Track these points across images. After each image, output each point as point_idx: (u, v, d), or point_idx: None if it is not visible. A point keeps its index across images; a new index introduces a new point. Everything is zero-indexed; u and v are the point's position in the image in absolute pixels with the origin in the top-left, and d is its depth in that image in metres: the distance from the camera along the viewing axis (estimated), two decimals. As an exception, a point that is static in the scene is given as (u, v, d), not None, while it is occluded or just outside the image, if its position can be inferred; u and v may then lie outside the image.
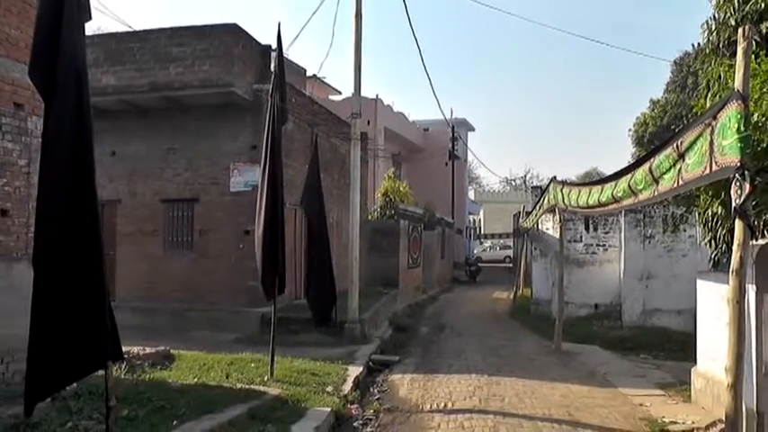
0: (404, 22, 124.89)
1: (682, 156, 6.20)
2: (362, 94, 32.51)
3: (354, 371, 10.75)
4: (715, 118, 5.47)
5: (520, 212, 40.27)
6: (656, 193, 7.05)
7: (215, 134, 15.63)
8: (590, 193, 10.27)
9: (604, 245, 19.26)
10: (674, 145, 6.34)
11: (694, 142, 5.90)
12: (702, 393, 9.21)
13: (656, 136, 33.16)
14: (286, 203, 16.87)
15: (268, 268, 9.53)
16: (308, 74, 27.06)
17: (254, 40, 15.65)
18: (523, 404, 9.20)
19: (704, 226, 10.21)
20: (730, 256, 10.03)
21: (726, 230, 9.52)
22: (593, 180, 10.71)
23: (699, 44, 36.17)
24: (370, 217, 24.71)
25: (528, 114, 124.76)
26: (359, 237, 15.49)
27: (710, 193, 9.94)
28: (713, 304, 9.05)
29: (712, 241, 9.94)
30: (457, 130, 43.04)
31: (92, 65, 15.35)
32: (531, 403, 9.27)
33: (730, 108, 5.19)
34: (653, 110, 36.62)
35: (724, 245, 9.74)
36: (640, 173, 7.41)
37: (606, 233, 19.23)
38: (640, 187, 7.49)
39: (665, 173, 6.69)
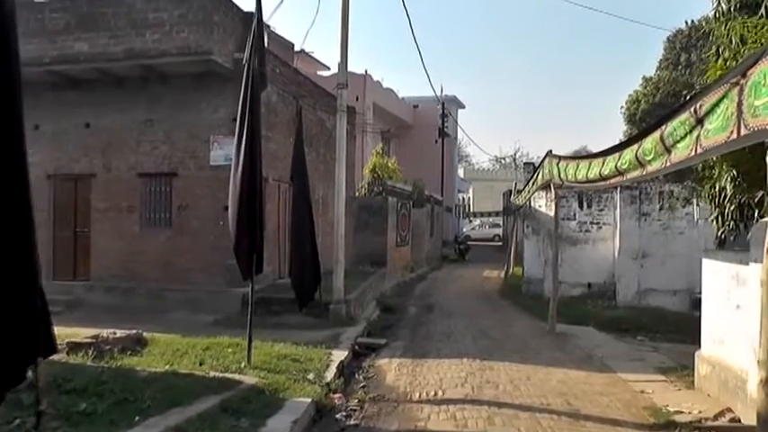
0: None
1: (700, 121, 5.55)
2: (351, 69, 31.85)
3: (339, 355, 10.11)
4: (744, 76, 4.79)
5: (510, 191, 39.77)
6: (667, 163, 6.40)
7: (194, 105, 14.86)
8: (589, 166, 9.63)
9: (598, 222, 18.70)
10: (692, 109, 5.68)
11: (717, 105, 5.24)
12: (707, 380, 8.62)
13: (649, 114, 32.59)
14: (269, 178, 16.36)
15: (244, 246, 8.85)
16: (296, 49, 26.45)
17: (236, 6, 14.83)
18: (519, 392, 8.60)
19: (710, 202, 9.63)
20: (738, 233, 9.60)
21: (735, 206, 8.94)
22: (594, 153, 10.10)
23: (692, 21, 35.87)
24: (357, 194, 24.06)
25: (519, 92, 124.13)
26: (345, 214, 14.80)
27: (718, 166, 9.40)
28: (721, 285, 8.44)
29: (719, 218, 9.36)
30: (447, 107, 42.44)
31: (62, 31, 14.68)
32: (526, 391, 8.66)
33: (765, 63, 4.52)
34: (645, 87, 36.03)
35: (732, 222, 9.17)
36: (649, 142, 6.76)
37: (600, 210, 18.67)
38: (649, 158, 6.84)
39: (678, 141, 6.05)
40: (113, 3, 14.44)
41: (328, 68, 32.56)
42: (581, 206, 18.78)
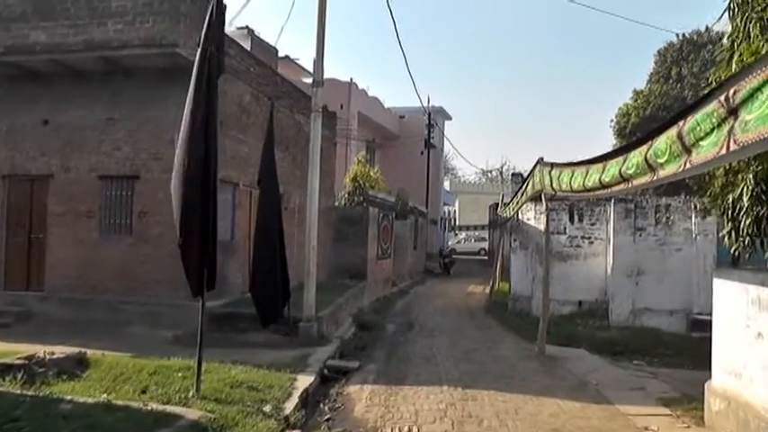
0: (380, 7, 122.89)
1: (734, 111, 4.54)
2: (336, 77, 30.87)
3: (304, 381, 8.98)
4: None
5: (497, 204, 38.85)
6: (687, 165, 5.38)
7: (159, 102, 13.73)
8: (587, 173, 8.60)
9: (590, 237, 17.71)
10: (721, 98, 4.68)
11: (759, 89, 4.24)
12: (722, 417, 7.57)
13: (639, 127, 31.85)
14: (239, 184, 15.29)
15: (193, 258, 7.73)
16: (280, 54, 25.45)
17: (207, -3, 13.78)
18: (506, 429, 7.51)
19: (722, 215, 8.62)
20: (754, 250, 8.59)
21: (752, 220, 7.93)
22: (592, 158, 9.09)
23: (683, 35, 35.21)
24: (337, 203, 22.98)
25: (505, 106, 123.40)
26: (321, 223, 13.79)
27: (730, 175, 8.42)
28: (738, 309, 7.42)
29: (733, 233, 8.34)
30: (434, 118, 41.66)
31: (19, 19, 13.51)
32: (514, 427, 7.58)
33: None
34: (636, 100, 35.39)
35: (747, 237, 8.16)
36: (663, 141, 5.74)
37: (592, 225, 17.68)
38: (662, 160, 5.82)
39: (702, 137, 5.04)
40: (73, -11, 13.36)
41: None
42: (572, 219, 17.79)
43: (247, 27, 22.46)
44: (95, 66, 13.82)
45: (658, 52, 37.44)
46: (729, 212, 8.34)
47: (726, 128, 4.67)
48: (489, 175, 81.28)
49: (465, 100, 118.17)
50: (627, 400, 9.11)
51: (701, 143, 5.09)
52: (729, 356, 7.62)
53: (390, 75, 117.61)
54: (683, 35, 36.51)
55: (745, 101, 4.39)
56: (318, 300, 13.00)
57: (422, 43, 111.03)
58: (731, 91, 4.56)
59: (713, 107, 4.81)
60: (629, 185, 7.11)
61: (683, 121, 5.37)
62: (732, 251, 8.45)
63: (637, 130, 31.53)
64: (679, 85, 35.03)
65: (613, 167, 7.33)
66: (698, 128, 5.06)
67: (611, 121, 36.51)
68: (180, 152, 7.71)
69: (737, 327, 7.41)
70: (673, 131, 5.52)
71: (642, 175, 6.49)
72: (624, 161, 6.95)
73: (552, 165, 11.13)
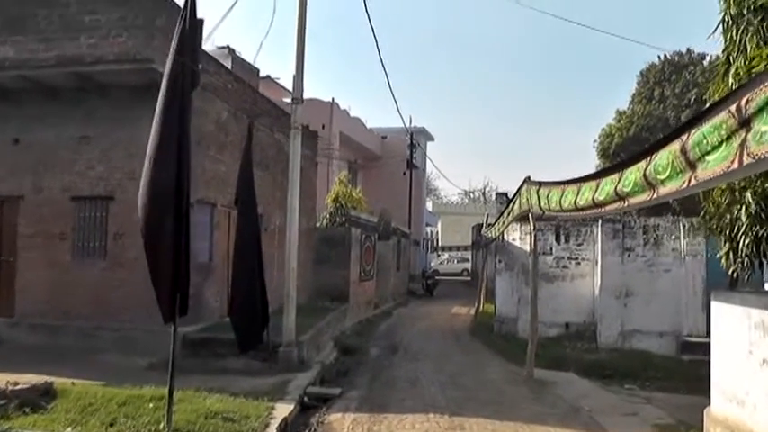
0: (360, 26, 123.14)
1: (746, 122, 4.21)
2: (318, 97, 30.56)
3: (282, 410, 8.52)
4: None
5: (480, 225, 38.60)
6: (692, 181, 5.04)
7: (135, 121, 13.21)
8: (578, 191, 8.27)
9: (577, 258, 17.39)
10: (732, 108, 4.35)
11: (777, 97, 3.91)
12: (723, 446, 7.21)
13: (623, 148, 31.86)
14: (217, 204, 14.83)
15: (166, 283, 7.27)
16: (262, 74, 25.12)
17: (181, 10, 13.38)
18: (497, 461, 7.11)
19: (719, 234, 8.31)
20: (753, 271, 8.28)
21: (751, 240, 7.63)
22: (584, 176, 8.76)
23: (665, 56, 35.30)
24: (318, 224, 22.54)
25: (488, 127, 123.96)
26: (302, 245, 13.35)
27: (727, 194, 8.12)
28: (739, 333, 7.08)
29: (731, 253, 8.04)
30: (416, 139, 41.50)
31: (-14, 34, 13.09)
32: (506, 459, 7.18)
33: None
34: (619, 121, 35.43)
35: (746, 258, 7.85)
36: (665, 157, 5.40)
37: (579, 245, 17.37)
38: (663, 176, 5.48)
39: (709, 152, 4.71)
40: (45, 3, 12.91)
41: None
42: (558, 240, 17.48)
43: (228, 46, 22.15)
44: (68, 82, 13.35)
45: (641, 73, 37.59)
46: (727, 232, 8.05)
47: (737, 140, 4.34)
48: (472, 195, 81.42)
49: (447, 121, 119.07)
50: (621, 428, 8.77)
51: (707, 157, 4.76)
52: (731, 383, 7.28)
53: (372, 96, 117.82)
54: (665, 56, 36.67)
55: (759, 110, 4.06)
56: (299, 323, 12.54)
57: (403, 65, 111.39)
58: (743, 100, 4.23)
59: (722, 118, 4.48)
60: (625, 204, 6.77)
61: (686, 135, 5.05)
62: (730, 272, 8.14)
63: (620, 150, 31.54)
64: (662, 105, 35.11)
65: (608, 185, 6.99)
66: (704, 141, 4.73)
67: (595, 141, 36.51)
68: (148, 170, 7.23)
69: (739, 352, 7.07)
70: (675, 146, 5.19)
71: (640, 192, 6.15)
72: (620, 179, 6.61)
73: (540, 183, 10.82)
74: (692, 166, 5.01)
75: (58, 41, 12.75)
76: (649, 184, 5.82)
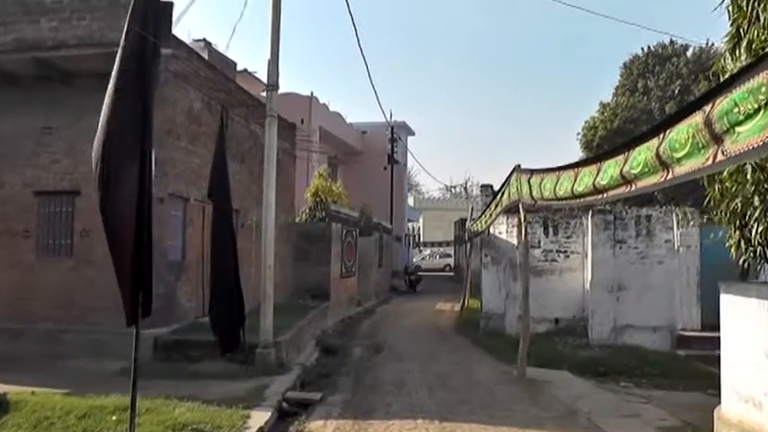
0: (338, 20, 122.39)
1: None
2: (296, 91, 29.81)
3: (259, 419, 7.82)
4: None
5: (463, 219, 38.06)
6: (717, 158, 4.42)
7: (101, 110, 12.49)
8: (576, 177, 7.64)
9: (566, 251, 16.81)
10: (768, 72, 3.73)
11: None
12: (739, 451, 6.61)
13: (607, 140, 31.41)
14: (190, 199, 14.08)
15: (127, 283, 6.54)
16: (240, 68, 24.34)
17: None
18: (495, 473, 6.46)
19: (728, 222, 7.72)
20: (766, 261, 7.68)
21: (765, 227, 7.03)
22: (581, 160, 8.12)
23: (649, 47, 34.92)
24: (298, 219, 21.82)
25: (467, 123, 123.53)
26: (281, 241, 12.68)
27: (736, 176, 7.52)
28: (754, 329, 6.49)
29: (741, 242, 7.45)
30: (397, 133, 40.85)
31: (-60, 17, 12.26)
32: (504, 470, 6.53)
33: None
34: (603, 113, 35.05)
35: (760, 247, 7.26)
36: (682, 132, 4.79)
37: (568, 237, 16.78)
38: (681, 154, 4.86)
39: (742, 122, 4.09)
40: (3, -15, 12.17)
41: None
42: (546, 233, 16.89)
43: (204, 39, 21.40)
44: (28, 69, 12.56)
45: (624, 65, 37.24)
46: (738, 220, 7.46)
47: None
48: (453, 190, 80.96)
49: (427, 117, 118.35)
50: (624, 431, 8.14)
51: (738, 129, 4.19)
52: (746, 382, 6.69)
53: (351, 92, 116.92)
54: (649, 48, 36.33)
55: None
56: (278, 323, 11.87)
57: (381, 61, 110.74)
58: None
59: (762, 80, 3.86)
60: (632, 188, 6.14)
61: (710, 105, 4.43)
62: (741, 263, 7.55)
63: (604, 142, 31.08)
64: (645, 97, 34.78)
65: (611, 168, 6.37)
66: (735, 110, 4.15)
67: (578, 134, 36.10)
68: (99, 156, 6.46)
69: (755, 349, 6.49)
70: (697, 118, 4.58)
71: (651, 174, 5.52)
72: (626, 160, 5.99)
73: (532, 171, 10.20)
74: (717, 139, 4.40)
75: (16, 24, 12.09)
76: (663, 163, 5.20)
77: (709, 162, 4.55)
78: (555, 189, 8.57)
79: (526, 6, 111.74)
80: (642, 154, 5.59)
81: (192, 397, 8.56)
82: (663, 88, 34.48)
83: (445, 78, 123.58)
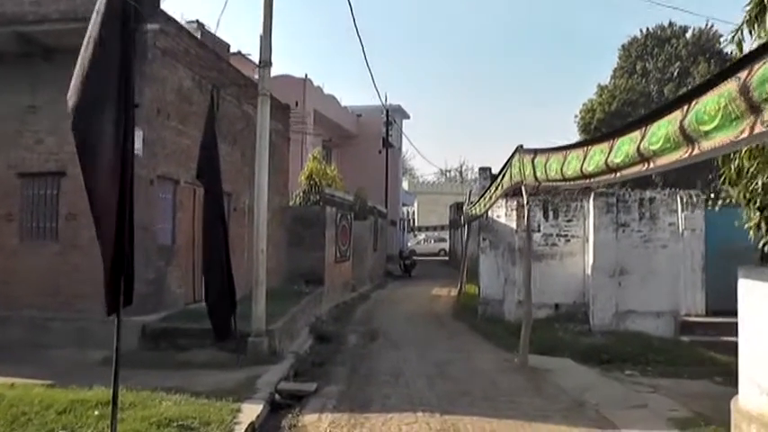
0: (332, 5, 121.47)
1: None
2: (290, 73, 29.27)
3: (250, 413, 7.40)
4: None
5: (457, 203, 37.71)
6: (754, 129, 3.98)
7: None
8: (585, 156, 7.20)
9: (566, 235, 16.38)
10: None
11: None
12: (761, 446, 6.21)
13: (605, 123, 31.02)
14: (180, 181, 13.59)
15: (107, 268, 6.06)
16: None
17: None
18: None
19: (748, 203, 7.29)
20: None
21: (788, 207, 6.61)
22: (590, 138, 7.64)
23: (647, 29, 34.47)
24: (291, 203, 21.35)
25: (464, 106, 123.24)
26: (274, 225, 12.27)
27: (756, 152, 7.09)
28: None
29: (763, 223, 7.03)
30: (392, 116, 40.40)
31: None
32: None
33: None
34: (601, 96, 34.67)
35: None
36: (712, 102, 4.34)
37: (568, 221, 16.35)
38: (709, 127, 4.42)
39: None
40: (-18, -44, 11.63)
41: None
42: (546, 216, 16.45)
43: (197, 21, 20.85)
44: (10, 45, 12.06)
45: (622, 47, 36.87)
46: (756, 200, 7.04)
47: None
48: (448, 174, 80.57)
49: (422, 101, 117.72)
50: (633, 423, 7.79)
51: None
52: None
53: (346, 74, 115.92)
54: (647, 29, 35.93)
55: None
56: (271, 310, 11.46)
57: (376, 45, 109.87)
58: None
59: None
60: (650, 166, 5.70)
61: (747, 72, 3.99)
62: (761, 245, 7.12)
63: (602, 125, 30.69)
64: (644, 79, 34.43)
65: (626, 145, 5.94)
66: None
67: (576, 117, 35.73)
68: (76, 129, 5.93)
69: (781, 337, 6.06)
70: (730, 85, 4.13)
71: (673, 149, 5.08)
72: (643, 136, 5.55)
73: (536, 151, 9.75)
74: (755, 109, 3.95)
75: (-5, -1, 11.51)
76: (688, 138, 4.76)
77: (745, 134, 4.11)
78: (561, 169, 8.12)
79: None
80: (663, 128, 5.15)
81: (180, 389, 8.16)
82: (662, 70, 34.14)
83: (440, 62, 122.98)
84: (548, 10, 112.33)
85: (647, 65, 34.97)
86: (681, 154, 5.00)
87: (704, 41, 33.90)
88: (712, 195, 12.44)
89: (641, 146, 5.56)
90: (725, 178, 7.72)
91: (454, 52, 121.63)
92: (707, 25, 34.04)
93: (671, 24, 35.45)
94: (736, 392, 6.90)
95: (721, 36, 33.55)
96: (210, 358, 10.33)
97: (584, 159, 7.20)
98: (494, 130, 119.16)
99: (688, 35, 34.65)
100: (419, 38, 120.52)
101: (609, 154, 6.40)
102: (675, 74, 33.08)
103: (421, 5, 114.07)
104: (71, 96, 5.58)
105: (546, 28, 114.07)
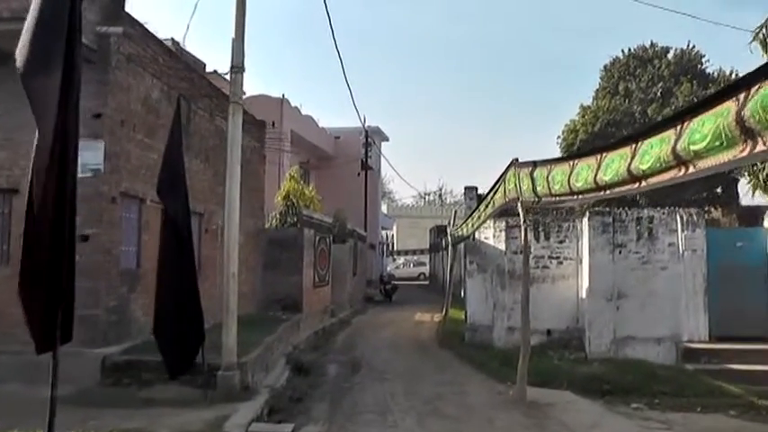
0: (313, 25, 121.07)
1: None
2: (268, 93, 28.43)
3: (217, 462, 6.41)
4: None
5: (440, 226, 36.99)
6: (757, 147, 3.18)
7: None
8: (600, 165, 6.36)
9: (558, 257, 15.55)
10: None
11: None
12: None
13: (588, 143, 30.45)
14: (146, 199, 12.57)
15: (37, 299, 5.05)
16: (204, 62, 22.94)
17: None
18: None
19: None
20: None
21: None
22: (602, 146, 6.79)
23: (630, 49, 34.14)
24: (268, 225, 20.36)
25: (442, 130, 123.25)
26: (249, 247, 11.30)
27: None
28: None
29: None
30: (370, 137, 39.63)
31: None
32: None
33: None
34: (584, 116, 34.16)
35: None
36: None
37: (560, 242, 15.53)
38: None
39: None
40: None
41: (243, 93, 29.01)
42: (537, 237, 15.60)
43: (172, 39, 20.04)
44: (-44, 48, 11.05)
45: (604, 67, 36.58)
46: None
47: None
48: (427, 198, 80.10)
49: (400, 126, 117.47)
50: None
51: None
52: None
53: (322, 101, 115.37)
54: (630, 50, 35.66)
55: None
56: (244, 339, 10.46)
57: (354, 68, 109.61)
58: None
59: None
60: (689, 171, 4.87)
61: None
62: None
63: (584, 146, 30.12)
64: (627, 100, 34.03)
65: (657, 147, 5.11)
66: None
67: (558, 137, 35.20)
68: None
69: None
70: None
71: (723, 149, 4.25)
72: (680, 135, 4.72)
73: (535, 163, 8.90)
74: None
75: (-61, -4, 10.53)
76: (748, 131, 3.90)
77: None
78: (568, 181, 7.28)
79: (502, 15, 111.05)
80: (707, 124, 4.33)
81: (141, 431, 7.15)
82: (644, 90, 33.80)
83: (420, 86, 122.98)
84: (527, 35, 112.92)
85: (629, 85, 34.68)
86: (736, 152, 4.17)
87: (686, 62, 33.72)
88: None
89: (677, 147, 4.74)
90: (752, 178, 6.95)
91: (435, 75, 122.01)
92: (688, 45, 33.96)
93: (653, 45, 35.28)
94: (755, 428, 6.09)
95: (703, 56, 33.50)
96: (176, 395, 9.30)
97: (598, 169, 6.37)
98: (474, 154, 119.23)
99: (670, 55, 34.45)
100: (397, 62, 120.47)
101: (631, 161, 5.58)
102: (658, 94, 32.73)
103: (398, 31, 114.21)
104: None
105: (526, 51, 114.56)
